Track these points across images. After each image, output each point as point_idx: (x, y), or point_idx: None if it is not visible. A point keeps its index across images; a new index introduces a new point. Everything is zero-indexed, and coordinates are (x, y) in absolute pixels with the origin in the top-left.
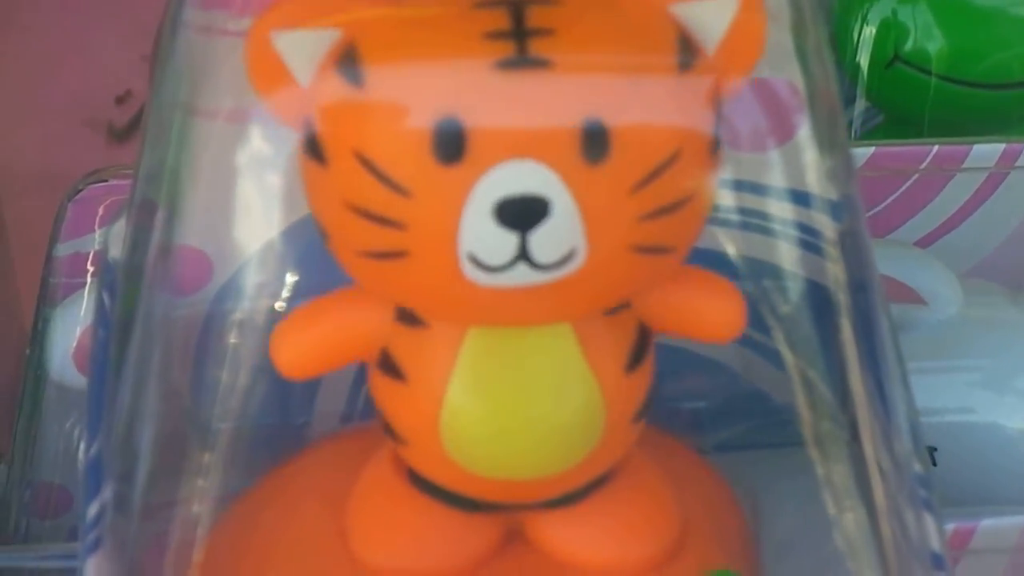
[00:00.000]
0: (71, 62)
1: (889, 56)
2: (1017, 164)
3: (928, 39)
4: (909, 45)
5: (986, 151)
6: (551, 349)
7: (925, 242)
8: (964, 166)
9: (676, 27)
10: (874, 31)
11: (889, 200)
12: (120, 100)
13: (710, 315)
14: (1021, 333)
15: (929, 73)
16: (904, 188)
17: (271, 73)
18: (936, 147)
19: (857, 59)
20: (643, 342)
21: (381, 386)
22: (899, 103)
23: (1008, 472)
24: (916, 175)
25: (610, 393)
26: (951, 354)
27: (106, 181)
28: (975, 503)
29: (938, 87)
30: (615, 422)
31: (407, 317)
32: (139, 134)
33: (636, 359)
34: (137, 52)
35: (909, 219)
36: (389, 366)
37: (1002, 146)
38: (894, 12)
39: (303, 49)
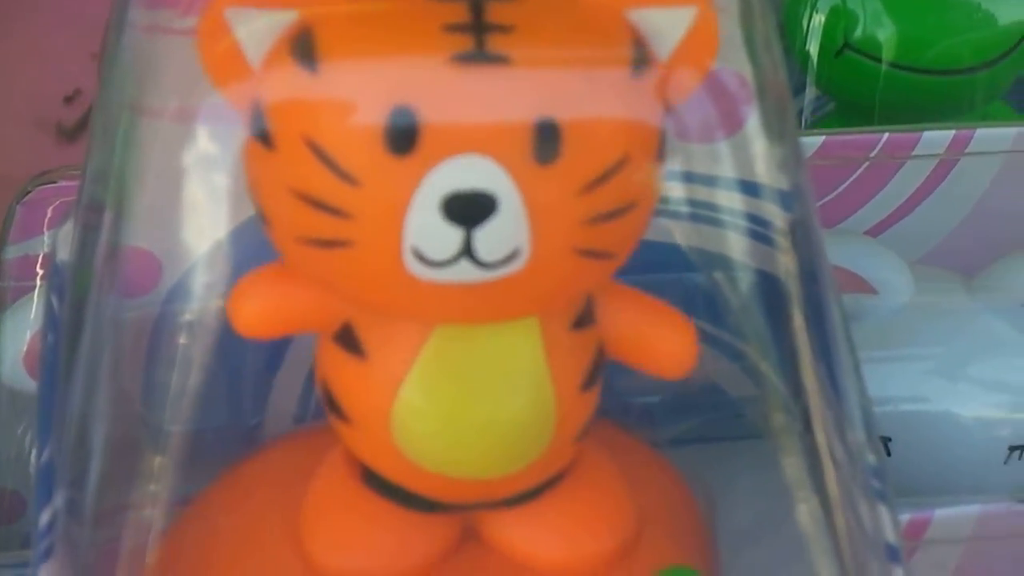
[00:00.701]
0: (19, 61)
1: (839, 44)
2: (967, 150)
3: (877, 26)
4: (858, 32)
5: (936, 138)
6: (516, 352)
7: (876, 230)
8: (914, 153)
9: (632, 32)
10: (823, 19)
11: (840, 188)
12: (69, 99)
13: (662, 353)
14: (973, 320)
15: (879, 60)
16: (855, 176)
17: (223, 52)
18: (886, 134)
19: (807, 47)
20: (600, 364)
21: (336, 360)
22: (849, 91)
23: (962, 460)
24: (866, 163)
25: (563, 405)
26: (903, 342)
27: (55, 183)
28: (930, 492)
29: (888, 74)
30: (561, 435)
31: None
32: (89, 134)
33: (592, 379)
34: (86, 51)
35: (860, 207)
36: (349, 341)
37: (952, 132)
38: (843, 0)
39: (257, 28)
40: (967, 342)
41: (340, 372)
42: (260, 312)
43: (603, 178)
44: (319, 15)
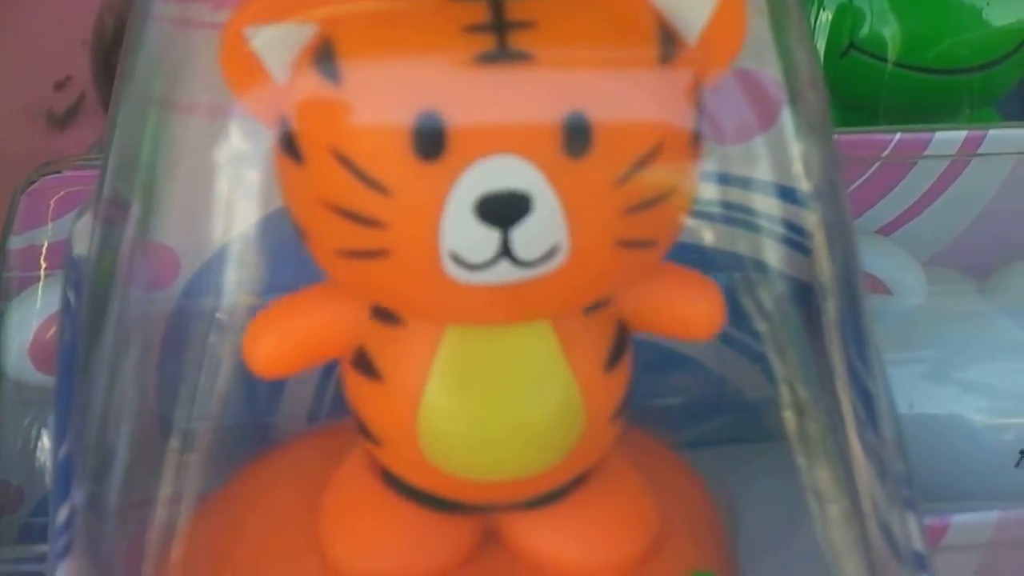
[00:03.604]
0: (8, 48)
1: (845, 42)
2: (979, 151)
3: (883, 24)
4: (865, 30)
5: (948, 138)
6: (531, 348)
7: (888, 230)
8: (926, 153)
9: (657, 17)
10: (830, 16)
11: (851, 188)
12: (59, 86)
13: (690, 314)
14: (985, 323)
15: (884, 59)
16: (866, 176)
17: (246, 70)
18: (898, 135)
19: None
20: (621, 341)
21: (356, 385)
22: (854, 89)
23: (973, 464)
24: (878, 163)
25: (589, 393)
26: (915, 345)
27: (60, 172)
28: (940, 498)
29: (892, 73)
30: (594, 422)
31: (383, 315)
32: (80, 122)
33: (615, 358)
34: (77, 38)
35: (871, 207)
36: (365, 365)
37: (964, 133)
38: None
39: (278, 45)
40: (979, 345)
41: (362, 397)
42: (274, 353)
43: (637, 167)
44: (338, 26)
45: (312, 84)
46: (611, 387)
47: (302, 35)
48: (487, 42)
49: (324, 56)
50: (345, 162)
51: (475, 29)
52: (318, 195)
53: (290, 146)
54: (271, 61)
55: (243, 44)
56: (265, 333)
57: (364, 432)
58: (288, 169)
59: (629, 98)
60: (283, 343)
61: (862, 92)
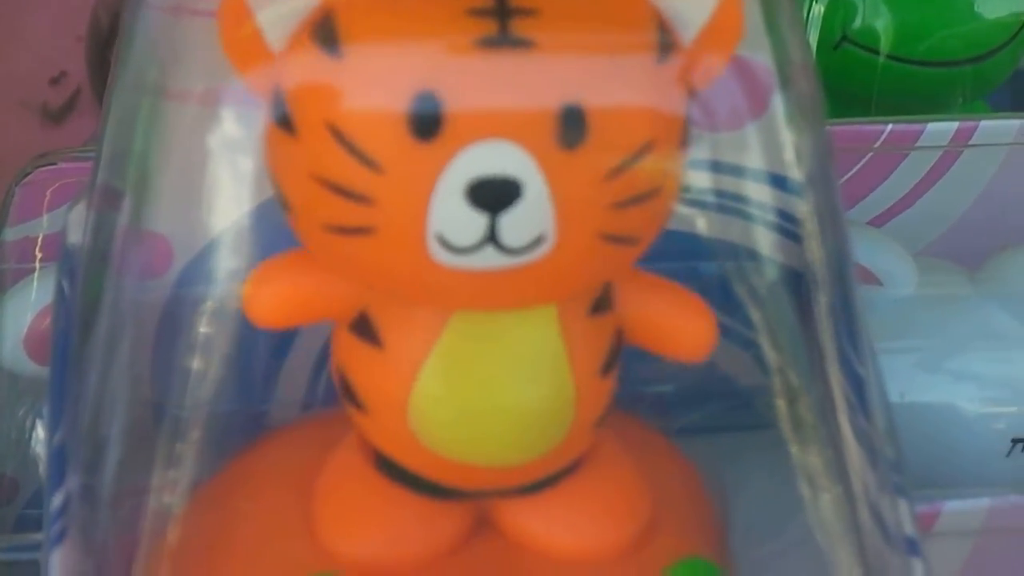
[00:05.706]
0: (3, 43)
1: (837, 35)
2: (971, 142)
3: (876, 17)
4: (857, 23)
5: (940, 130)
6: (535, 339)
7: (879, 221)
8: (918, 144)
9: (656, 16)
10: (823, 9)
11: (843, 180)
12: (55, 81)
13: (681, 335)
14: (976, 312)
15: (876, 52)
16: (858, 167)
17: (243, 37)
18: (890, 126)
19: (807, 37)
20: (617, 348)
21: (351, 349)
22: (847, 81)
23: (964, 452)
24: (870, 154)
25: (583, 391)
26: (906, 334)
27: (55, 164)
28: (931, 485)
29: (885, 66)
30: (581, 421)
31: None
32: (76, 117)
33: (610, 364)
34: (72, 33)
35: (863, 198)
36: (366, 330)
37: (956, 124)
38: None
39: (279, 13)
40: (970, 334)
41: (356, 361)
42: (275, 302)
43: (628, 163)
44: (341, 1)
45: (311, 57)
46: (602, 392)
47: (303, 6)
48: (489, 27)
49: (325, 30)
50: (339, 137)
51: (478, 13)
52: (309, 168)
53: (283, 117)
54: (269, 30)
55: (242, 12)
56: (268, 283)
57: (350, 397)
58: (280, 141)
59: (626, 93)
60: (283, 295)
61: (855, 84)
